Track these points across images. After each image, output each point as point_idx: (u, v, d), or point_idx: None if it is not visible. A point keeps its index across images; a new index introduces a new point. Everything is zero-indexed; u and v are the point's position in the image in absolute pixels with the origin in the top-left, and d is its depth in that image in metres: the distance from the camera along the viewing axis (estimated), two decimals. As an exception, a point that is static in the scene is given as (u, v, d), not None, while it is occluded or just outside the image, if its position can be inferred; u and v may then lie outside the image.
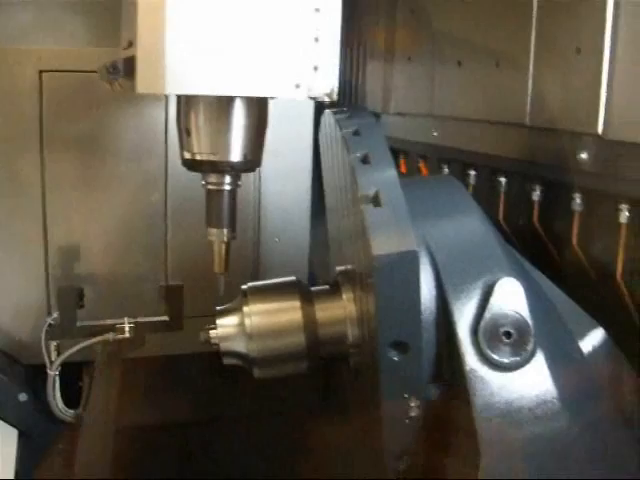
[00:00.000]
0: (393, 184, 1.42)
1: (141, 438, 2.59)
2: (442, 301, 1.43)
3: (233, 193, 1.93)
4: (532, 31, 1.99)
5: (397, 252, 1.28)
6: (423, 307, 1.42)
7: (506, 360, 1.37)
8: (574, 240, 1.92)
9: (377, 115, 3.03)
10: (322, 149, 2.03)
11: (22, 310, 2.76)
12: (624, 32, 1.69)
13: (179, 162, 1.94)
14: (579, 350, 1.56)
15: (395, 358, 1.35)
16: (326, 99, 1.68)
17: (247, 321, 1.70)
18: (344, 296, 1.70)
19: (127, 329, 2.59)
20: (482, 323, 1.37)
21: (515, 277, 1.42)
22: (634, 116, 1.63)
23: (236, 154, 1.84)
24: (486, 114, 2.25)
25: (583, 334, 1.59)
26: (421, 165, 2.69)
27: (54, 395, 2.61)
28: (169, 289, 2.71)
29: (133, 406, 2.63)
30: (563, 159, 1.91)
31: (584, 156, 1.82)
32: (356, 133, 1.59)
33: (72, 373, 2.77)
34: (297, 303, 1.71)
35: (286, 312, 1.72)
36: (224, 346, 1.73)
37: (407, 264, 1.30)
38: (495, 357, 1.36)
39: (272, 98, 1.86)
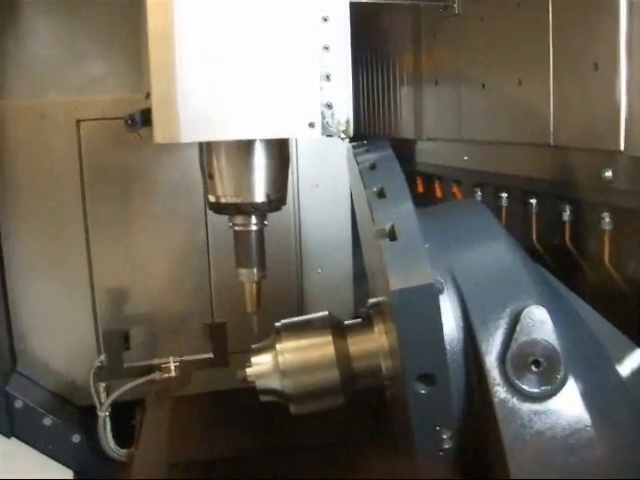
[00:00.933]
0: (409, 217, 1.42)
1: (192, 473, 2.62)
2: (469, 331, 1.41)
3: (260, 233, 1.96)
4: (550, 49, 1.97)
5: (414, 286, 1.27)
6: (450, 338, 1.42)
7: (536, 390, 1.34)
8: (606, 259, 1.88)
9: (409, 142, 3.03)
10: (350, 182, 2.05)
11: (73, 352, 2.84)
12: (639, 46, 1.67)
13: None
14: (617, 374, 1.52)
15: (422, 391, 1.33)
16: (342, 136, 1.69)
17: (280, 358, 1.71)
18: (376, 328, 1.70)
19: (173, 368, 2.63)
20: (509, 353, 1.35)
21: (544, 303, 1.39)
22: (655, 131, 1.60)
23: (259, 195, 1.87)
24: (512, 135, 2.23)
25: (621, 357, 1.54)
26: (455, 190, 2.68)
27: (105, 435, 2.66)
28: (213, 326, 2.74)
29: (183, 442, 2.65)
30: (589, 178, 1.88)
31: (609, 174, 1.79)
32: (373, 167, 1.60)
33: (126, 412, 2.83)
34: (329, 338, 1.71)
35: (318, 347, 1.72)
36: (259, 384, 1.75)
37: (425, 297, 1.28)
38: (524, 387, 1.34)
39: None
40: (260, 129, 1.65)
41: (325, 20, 1.63)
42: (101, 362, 2.65)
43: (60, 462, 2.68)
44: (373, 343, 1.68)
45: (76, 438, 2.73)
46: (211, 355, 2.73)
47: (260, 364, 1.75)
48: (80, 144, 2.77)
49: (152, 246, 2.90)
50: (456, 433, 1.40)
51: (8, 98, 2.71)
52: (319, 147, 2.89)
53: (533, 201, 2.18)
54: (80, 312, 2.84)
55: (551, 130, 2.01)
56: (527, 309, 1.37)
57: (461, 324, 1.43)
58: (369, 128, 3.40)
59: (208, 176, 1.88)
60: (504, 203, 2.34)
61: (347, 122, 1.69)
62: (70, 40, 2.75)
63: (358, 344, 1.70)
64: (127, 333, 2.67)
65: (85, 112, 2.76)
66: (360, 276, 3.05)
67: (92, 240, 2.81)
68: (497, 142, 2.33)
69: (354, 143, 1.79)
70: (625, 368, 1.53)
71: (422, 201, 2.97)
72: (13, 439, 2.63)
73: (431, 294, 1.29)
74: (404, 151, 3.05)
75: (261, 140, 1.82)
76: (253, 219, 1.92)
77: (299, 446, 2.73)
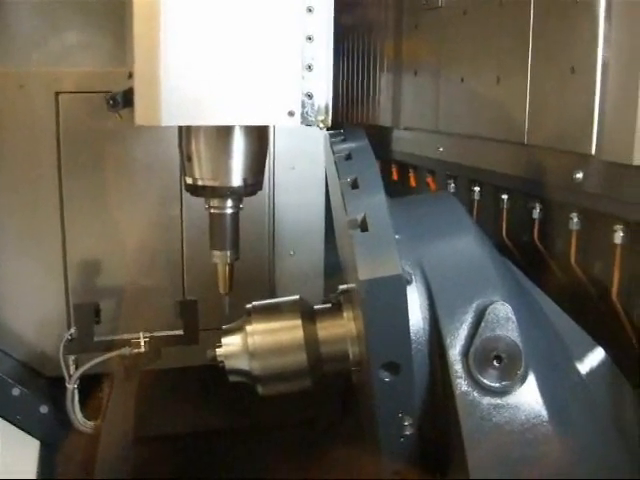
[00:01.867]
0: (380, 209, 1.45)
1: (157, 447, 2.65)
2: (435, 324, 1.45)
3: (235, 216, 1.98)
4: (529, 50, 2.00)
5: (382, 277, 1.31)
6: (416, 329, 1.45)
7: (496, 384, 1.38)
8: (572, 259, 1.93)
9: (386, 130, 3.05)
10: (326, 167, 2.07)
11: (44, 324, 2.83)
12: (616, 53, 1.70)
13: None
14: (576, 372, 1.57)
15: (387, 379, 1.38)
16: (321, 125, 1.72)
17: (250, 340, 1.75)
18: (345, 315, 1.73)
19: (143, 343, 2.65)
20: (473, 347, 1.39)
21: (509, 299, 1.43)
22: (626, 138, 1.64)
23: (237, 179, 1.89)
24: (487, 131, 2.27)
25: (582, 355, 1.60)
26: (429, 180, 2.71)
27: (73, 408, 2.68)
28: (184, 304, 2.76)
29: (150, 417, 2.68)
30: (560, 178, 1.92)
31: (579, 176, 1.83)
32: (348, 157, 1.62)
33: (94, 385, 2.84)
34: (298, 322, 1.75)
35: (288, 331, 1.75)
36: (228, 364, 1.78)
37: (393, 288, 1.32)
38: (485, 381, 1.38)
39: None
40: (240, 115, 1.67)
41: (310, 11, 1.65)
42: (71, 335, 2.65)
43: (27, 432, 2.68)
44: (341, 329, 1.72)
45: (44, 409, 2.73)
46: (181, 332, 2.75)
47: (229, 345, 1.78)
48: (58, 116, 2.74)
49: (126, 220, 2.90)
50: (418, 421, 1.44)
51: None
52: (296, 130, 2.89)
53: (505, 197, 2.22)
54: (52, 284, 2.83)
55: (526, 129, 2.04)
56: (492, 305, 1.41)
57: (427, 316, 1.47)
58: (348, 115, 3.42)
59: (186, 158, 1.89)
60: (476, 197, 2.38)
61: (326, 112, 1.71)
62: (51, 11, 2.72)
63: (327, 329, 1.74)
64: (98, 307, 2.67)
65: (64, 84, 2.73)
66: (331, 260, 3.09)
67: (66, 213, 2.80)
68: (472, 136, 2.36)
69: (331, 132, 1.81)
70: (585, 366, 1.59)
71: (396, 189, 3.00)
72: (-20, 408, 2.63)
73: (398, 285, 1.33)
74: (381, 139, 3.07)
75: (240, 126, 1.83)
76: (229, 202, 1.94)
77: (265, 425, 2.78)
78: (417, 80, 2.77)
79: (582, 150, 1.80)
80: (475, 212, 2.39)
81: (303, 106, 1.68)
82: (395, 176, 3.05)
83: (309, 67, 1.67)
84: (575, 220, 1.90)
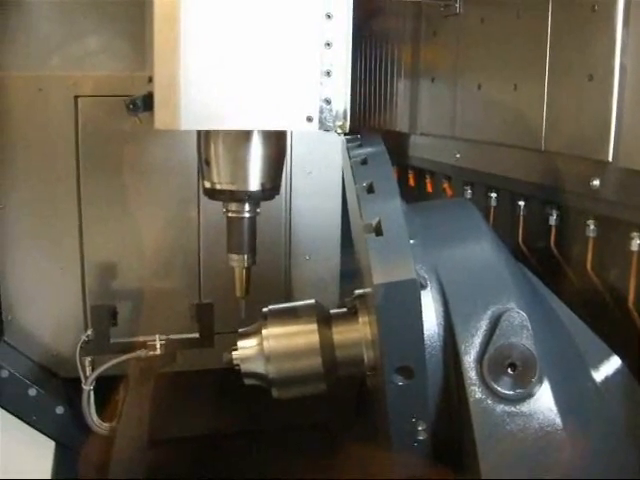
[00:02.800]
0: (396, 214, 1.45)
1: (172, 450, 2.65)
2: (450, 330, 1.45)
3: (253, 220, 1.99)
4: (547, 57, 2.01)
5: (396, 281, 1.31)
6: (430, 334, 1.45)
7: (510, 392, 1.38)
8: (589, 265, 1.93)
9: (403, 135, 3.06)
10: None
11: (60, 325, 2.86)
12: (633, 61, 1.71)
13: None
14: (592, 380, 1.56)
15: (400, 383, 1.38)
16: (338, 131, 1.72)
17: (265, 343, 1.75)
18: (360, 319, 1.73)
19: (158, 346, 2.66)
20: (487, 355, 1.39)
21: (524, 306, 1.43)
22: (643, 145, 1.64)
23: (254, 183, 1.90)
24: (504, 137, 2.27)
25: (597, 363, 1.59)
26: (446, 186, 2.72)
27: (89, 409, 2.69)
28: (200, 307, 2.76)
29: (165, 419, 2.69)
30: (576, 185, 1.92)
31: (596, 183, 1.83)
32: (364, 162, 1.63)
33: (110, 387, 2.86)
34: (314, 326, 1.75)
35: (303, 335, 1.76)
36: (244, 367, 1.79)
37: (407, 292, 1.32)
38: (499, 389, 1.38)
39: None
40: (259, 120, 1.68)
41: (328, 17, 1.66)
42: (88, 336, 2.67)
43: (43, 433, 2.70)
44: (357, 333, 1.72)
45: (60, 410, 2.75)
46: (197, 335, 2.76)
47: (245, 348, 1.79)
48: (77, 120, 2.77)
49: (144, 223, 2.92)
50: (431, 426, 1.44)
51: (7, 70, 2.71)
52: (314, 134, 2.90)
53: (521, 203, 2.22)
54: (69, 285, 2.86)
55: (543, 136, 2.04)
56: (507, 313, 1.40)
57: (442, 322, 1.47)
58: (365, 120, 3.43)
59: (205, 162, 1.91)
60: (493, 203, 2.38)
61: (344, 117, 1.72)
62: (71, 15, 2.74)
63: (342, 333, 1.74)
64: (115, 309, 2.69)
65: (83, 88, 2.76)
66: (347, 264, 3.09)
67: (84, 215, 2.82)
68: (489, 143, 2.36)
69: (348, 137, 1.82)
70: (601, 374, 1.58)
71: (413, 195, 3.01)
72: (-3, 408, 2.66)
73: (413, 289, 1.33)
74: (398, 145, 3.07)
75: (259, 130, 1.84)
76: (247, 206, 1.95)
77: (280, 427, 2.78)
78: (434, 86, 2.77)
79: (599, 157, 1.81)
80: (492, 218, 2.39)
81: (321, 111, 1.69)
82: (412, 182, 3.06)
83: (327, 73, 1.68)
84: (592, 227, 1.90)
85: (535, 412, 1.38)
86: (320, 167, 3.03)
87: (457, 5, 2.49)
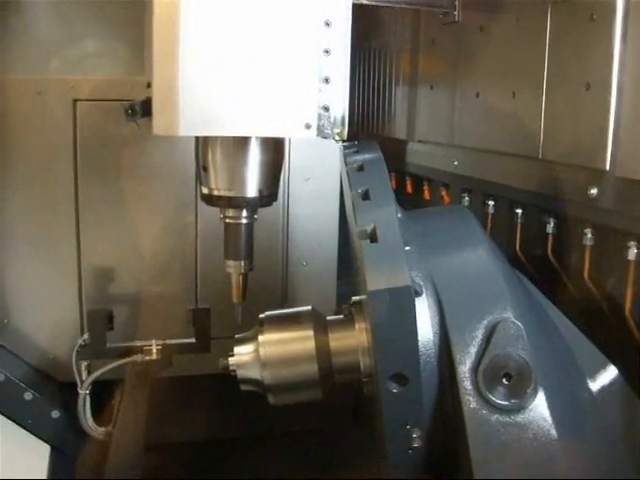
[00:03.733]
0: (390, 220, 1.45)
1: (168, 455, 2.65)
2: (445, 339, 1.44)
3: (250, 226, 1.99)
4: (545, 66, 2.01)
5: (390, 288, 1.31)
6: (426, 342, 1.44)
7: (505, 402, 1.37)
8: (586, 274, 1.93)
9: (402, 142, 3.06)
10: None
11: (57, 329, 2.86)
12: (631, 70, 1.71)
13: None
14: (588, 390, 1.55)
15: (394, 390, 1.37)
16: (337, 138, 1.73)
17: (261, 350, 1.75)
18: (357, 326, 1.73)
19: (155, 350, 2.66)
20: (482, 364, 1.38)
21: (521, 316, 1.42)
22: (640, 154, 1.65)
23: (252, 190, 1.90)
24: (502, 145, 2.27)
25: (594, 372, 1.58)
26: (444, 193, 2.72)
27: (84, 413, 2.69)
28: (196, 312, 2.77)
29: (160, 424, 2.69)
30: (574, 193, 1.92)
31: (594, 191, 1.83)
32: (360, 169, 1.63)
33: (106, 391, 2.86)
34: (310, 333, 1.75)
35: (299, 341, 1.76)
36: (240, 373, 1.78)
37: (401, 299, 1.32)
38: (494, 399, 1.37)
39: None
40: (257, 127, 1.68)
41: (327, 24, 1.66)
42: (84, 341, 2.67)
43: (38, 437, 2.70)
44: (353, 340, 1.72)
45: (55, 414, 2.75)
46: (193, 340, 2.76)
47: (242, 354, 1.78)
48: (75, 124, 2.77)
49: (141, 228, 2.92)
50: (426, 433, 1.43)
51: (5, 73, 2.71)
52: (313, 141, 2.90)
53: (519, 211, 2.23)
54: (66, 289, 2.86)
55: (540, 144, 2.05)
56: (503, 322, 1.40)
57: (437, 331, 1.46)
58: (364, 127, 3.43)
59: (202, 168, 1.91)
60: (490, 211, 2.38)
61: (342, 124, 1.72)
62: (70, 19, 2.75)
63: (339, 340, 1.74)
64: (111, 313, 2.69)
65: (82, 92, 2.76)
66: (344, 270, 3.09)
67: (82, 220, 2.83)
68: (487, 150, 2.37)
69: (345, 143, 1.82)
70: (597, 384, 1.57)
71: (411, 202, 3.01)
72: (-7, 411, 2.65)
73: (407, 296, 1.32)
74: (397, 151, 3.08)
75: (257, 137, 1.85)
76: (244, 213, 1.96)
77: (275, 433, 2.78)
78: (433, 94, 2.78)
79: (596, 166, 1.81)
80: (489, 226, 2.39)
81: (319, 119, 1.69)
82: (410, 189, 3.06)
83: (326, 80, 1.68)
84: (589, 235, 1.90)
85: (530, 422, 1.37)
86: (318, 174, 3.04)
87: (456, 13, 2.49)
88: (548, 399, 1.38)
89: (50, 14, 2.74)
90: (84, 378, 2.69)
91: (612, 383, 1.59)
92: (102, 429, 2.76)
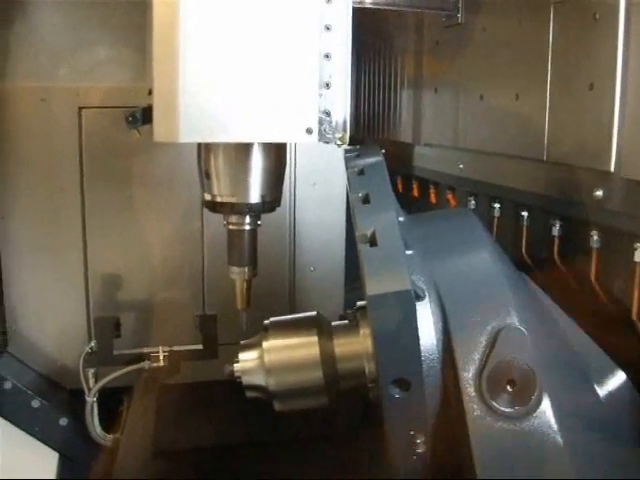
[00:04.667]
0: (390, 224, 1.43)
1: (176, 462, 2.65)
2: (448, 345, 1.42)
3: (253, 232, 1.99)
4: (548, 67, 2.00)
5: (390, 292, 1.29)
6: (428, 348, 1.42)
7: (509, 409, 1.35)
8: (592, 276, 1.91)
9: (407, 146, 3.05)
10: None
11: (64, 336, 2.87)
12: (635, 70, 1.70)
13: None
14: (595, 395, 1.53)
15: (397, 395, 1.36)
16: (338, 142, 1.72)
17: (266, 356, 1.74)
18: (361, 331, 1.72)
19: (162, 357, 2.66)
20: (485, 371, 1.36)
21: (525, 321, 1.39)
22: (646, 155, 1.63)
23: (255, 196, 1.90)
24: (506, 148, 2.26)
25: (601, 377, 1.55)
26: (450, 197, 2.71)
27: (92, 420, 2.70)
28: (204, 318, 2.78)
29: (168, 431, 2.68)
30: (579, 195, 1.91)
31: (599, 193, 1.82)
32: (361, 172, 1.62)
33: (114, 398, 2.86)
34: (315, 338, 1.74)
35: (304, 347, 1.74)
36: (245, 380, 1.78)
37: (401, 303, 1.30)
38: (498, 406, 1.34)
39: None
40: (259, 133, 1.68)
41: (328, 29, 1.66)
42: (91, 348, 2.68)
43: (46, 444, 2.71)
44: (358, 346, 1.70)
45: (63, 421, 2.76)
46: (200, 346, 2.76)
47: (247, 361, 1.77)
48: (81, 131, 2.79)
49: (147, 234, 2.93)
50: (431, 439, 1.41)
51: (11, 80, 2.73)
52: (318, 146, 2.91)
53: (525, 214, 2.21)
54: (73, 297, 2.87)
55: (545, 146, 2.03)
56: (507, 328, 1.38)
57: (441, 336, 1.43)
58: (369, 131, 3.43)
59: (205, 175, 1.91)
60: (496, 214, 2.37)
61: (344, 129, 1.72)
62: (76, 26, 2.76)
63: (343, 346, 1.72)
64: (118, 321, 2.70)
65: (87, 99, 2.78)
66: (351, 275, 3.09)
67: (88, 226, 2.84)
68: (492, 153, 2.35)
69: (348, 147, 1.82)
70: (604, 389, 1.54)
71: (417, 205, 3.00)
72: (1, 419, 2.65)
73: (407, 300, 1.30)
74: (402, 155, 3.07)
75: (259, 143, 1.84)
76: (247, 219, 1.95)
77: (283, 439, 2.76)
78: (437, 97, 2.77)
79: (601, 167, 1.79)
80: (495, 229, 2.38)
81: (321, 123, 1.69)
82: (416, 192, 3.05)
83: (327, 85, 1.68)
84: (595, 238, 1.88)
85: (535, 429, 1.35)
86: (324, 178, 3.04)
87: (459, 15, 2.49)
88: (553, 405, 1.36)
89: (55, 21, 2.76)
90: (91, 385, 2.70)
91: (620, 388, 1.56)
92: (110, 436, 2.77)
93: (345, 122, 1.71)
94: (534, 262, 2.20)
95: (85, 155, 2.81)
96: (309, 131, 1.68)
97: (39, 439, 2.70)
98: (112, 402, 2.86)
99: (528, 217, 2.21)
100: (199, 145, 1.92)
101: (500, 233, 2.35)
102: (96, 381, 2.70)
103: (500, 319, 1.40)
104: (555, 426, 1.35)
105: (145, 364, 2.67)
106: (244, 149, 1.85)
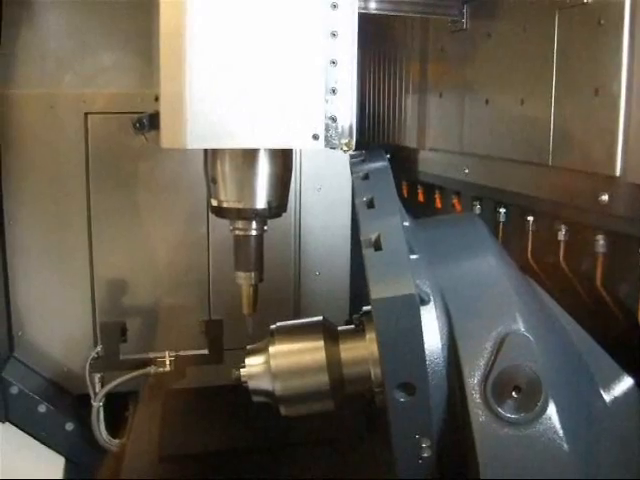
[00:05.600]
0: (395, 228, 1.43)
1: (182, 466, 2.65)
2: (454, 350, 1.41)
3: (260, 238, 2.00)
4: (553, 72, 2.00)
5: (394, 296, 1.29)
6: (434, 353, 1.42)
7: (515, 415, 1.34)
8: (598, 281, 1.91)
9: (412, 151, 3.06)
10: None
11: (70, 341, 2.89)
12: (640, 75, 1.70)
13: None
14: (602, 401, 1.52)
15: (402, 399, 1.35)
16: (344, 148, 1.73)
17: (272, 361, 1.75)
18: (367, 336, 1.72)
19: (168, 362, 2.67)
20: (491, 377, 1.36)
21: (531, 327, 1.39)
22: (652, 160, 1.63)
23: (261, 201, 1.91)
24: (512, 152, 2.26)
25: (608, 383, 1.54)
26: (455, 202, 2.71)
27: (98, 425, 2.71)
28: (209, 323, 2.78)
29: (174, 436, 2.69)
30: (585, 200, 1.90)
31: (605, 198, 1.82)
32: (365, 177, 1.63)
33: (120, 403, 2.87)
34: (321, 343, 1.74)
35: (310, 352, 1.75)
36: (252, 384, 1.78)
37: (406, 307, 1.30)
38: (503, 412, 1.34)
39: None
40: (265, 139, 1.68)
41: (334, 35, 1.66)
42: (97, 353, 2.69)
43: (52, 449, 2.72)
44: (364, 350, 1.70)
45: (69, 426, 2.77)
46: (206, 351, 2.77)
47: (253, 365, 1.78)
48: (87, 136, 2.81)
49: (153, 239, 2.94)
50: (436, 444, 1.41)
51: (18, 88, 2.75)
52: (324, 151, 2.91)
53: (530, 218, 2.21)
54: (79, 302, 2.88)
55: (550, 151, 2.03)
56: (512, 334, 1.37)
57: (446, 342, 1.43)
58: (374, 136, 3.43)
59: (211, 180, 1.92)
60: (502, 218, 2.36)
61: (350, 135, 1.72)
62: (81, 33, 2.78)
63: (349, 351, 1.73)
64: (124, 326, 2.71)
65: (93, 105, 2.80)
66: (357, 280, 3.09)
67: (94, 231, 2.86)
68: (497, 158, 2.35)
69: (353, 152, 1.82)
70: (611, 395, 1.53)
71: (422, 210, 3.00)
72: (7, 424, 2.67)
73: (412, 304, 1.30)
74: (407, 160, 3.07)
75: (265, 149, 1.85)
76: (253, 224, 1.96)
77: (290, 443, 2.77)
78: (442, 102, 2.77)
79: (607, 172, 1.79)
80: (501, 234, 2.38)
81: (327, 129, 1.69)
82: (421, 197, 3.05)
83: (333, 91, 1.69)
84: (601, 242, 1.88)
85: (541, 436, 1.34)
86: (330, 183, 3.06)
87: (464, 21, 2.49)
88: (559, 412, 1.35)
89: (61, 28, 2.77)
90: (97, 390, 2.71)
91: (627, 394, 1.55)
92: (116, 441, 2.77)
93: (351, 128, 1.72)
94: (540, 267, 2.19)
95: (91, 161, 2.83)
96: (315, 137, 1.68)
97: (45, 444, 2.72)
98: (118, 407, 2.87)
99: (534, 222, 2.21)
100: (206, 151, 1.93)
101: (506, 238, 2.35)
102: (102, 386, 2.71)
103: (506, 325, 1.40)
104: (561, 432, 1.34)
105: (151, 369, 2.68)
106: (251, 155, 1.86)
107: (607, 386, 1.55)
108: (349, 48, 1.69)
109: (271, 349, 1.76)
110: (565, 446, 1.34)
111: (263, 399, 1.79)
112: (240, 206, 1.91)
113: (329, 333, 1.77)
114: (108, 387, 2.68)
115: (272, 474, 2.76)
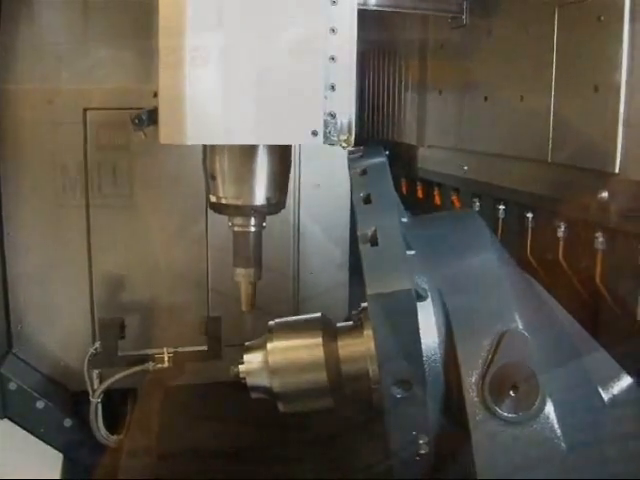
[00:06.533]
0: (392, 224, 1.43)
1: (180, 463, 2.65)
2: (451, 347, 1.40)
3: (258, 234, 1.99)
4: (553, 68, 2.00)
5: (391, 292, 1.29)
6: (431, 350, 1.42)
7: (512, 414, 1.33)
8: (597, 278, 1.91)
9: (412, 147, 3.05)
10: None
11: (69, 338, 2.88)
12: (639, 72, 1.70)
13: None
14: (600, 399, 1.50)
15: (399, 395, 1.35)
16: (343, 145, 1.72)
17: (270, 357, 1.74)
18: (365, 332, 1.71)
19: (166, 359, 2.67)
20: (488, 376, 1.34)
21: (529, 324, 1.38)
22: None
23: (260, 198, 1.91)
24: (511, 149, 2.26)
25: (607, 381, 1.52)
26: (454, 198, 2.70)
27: (96, 421, 2.70)
28: (208, 320, 2.78)
29: (172, 432, 2.69)
30: (585, 197, 1.90)
31: (604, 194, 1.81)
32: (363, 173, 1.62)
33: (118, 400, 2.87)
34: (319, 340, 1.74)
35: (308, 349, 1.74)
36: (250, 381, 1.78)
37: (402, 303, 1.29)
38: (500, 411, 1.33)
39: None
40: (264, 135, 1.68)
41: (333, 31, 1.66)
42: (96, 349, 2.69)
43: (51, 445, 2.72)
44: (362, 347, 1.70)
45: (68, 422, 2.77)
46: (205, 348, 2.77)
47: (251, 362, 1.77)
48: (86, 132, 2.80)
49: (152, 236, 2.93)
50: (433, 440, 1.40)
51: (18, 83, 2.74)
52: (322, 147, 2.91)
53: (529, 215, 2.21)
54: (77, 298, 2.88)
55: (549, 147, 2.03)
56: (510, 332, 1.37)
57: (443, 339, 1.42)
58: (374, 132, 3.43)
59: (210, 177, 1.92)
60: (501, 215, 2.36)
61: (349, 131, 1.72)
62: (80, 29, 2.77)
63: (347, 347, 1.72)
64: (122, 322, 2.71)
65: (92, 101, 2.79)
66: (356, 277, 3.08)
67: (93, 227, 2.85)
68: (497, 154, 2.35)
69: (351, 148, 1.81)
70: (610, 393, 1.52)
71: (422, 207, 2.99)
72: (6, 420, 2.66)
73: (408, 299, 1.30)
74: (407, 157, 3.07)
75: (264, 145, 1.85)
76: (252, 221, 1.96)
77: (288, 440, 2.77)
78: (442, 98, 2.77)
79: (606, 168, 1.79)
80: (500, 230, 2.37)
81: (326, 125, 1.69)
82: (420, 194, 3.05)
83: (332, 87, 1.68)
84: (600, 239, 1.88)
85: (538, 435, 1.33)
86: (329, 180, 3.05)
87: (464, 17, 2.49)
88: (557, 410, 1.34)
89: (60, 24, 2.76)
90: (96, 386, 2.70)
91: (626, 392, 1.53)
92: (114, 437, 2.77)
93: (350, 124, 1.71)
94: (539, 264, 2.19)
95: (90, 156, 2.82)
96: (314, 133, 1.68)
97: (43, 440, 2.71)
98: (116, 403, 2.87)
99: (533, 219, 2.21)
100: (205, 147, 1.93)
101: (505, 235, 2.34)
102: (100, 382, 2.70)
103: (504, 323, 1.39)
104: (558, 431, 1.33)
105: (149, 365, 2.68)
106: (249, 151, 1.85)
107: (606, 384, 1.54)
108: (348, 44, 1.68)
109: (269, 345, 1.76)
110: (562, 445, 1.33)
111: (261, 395, 1.79)
112: (239, 202, 1.90)
113: (327, 330, 1.76)
114: (106, 383, 2.68)
115: (270, 471, 2.76)
